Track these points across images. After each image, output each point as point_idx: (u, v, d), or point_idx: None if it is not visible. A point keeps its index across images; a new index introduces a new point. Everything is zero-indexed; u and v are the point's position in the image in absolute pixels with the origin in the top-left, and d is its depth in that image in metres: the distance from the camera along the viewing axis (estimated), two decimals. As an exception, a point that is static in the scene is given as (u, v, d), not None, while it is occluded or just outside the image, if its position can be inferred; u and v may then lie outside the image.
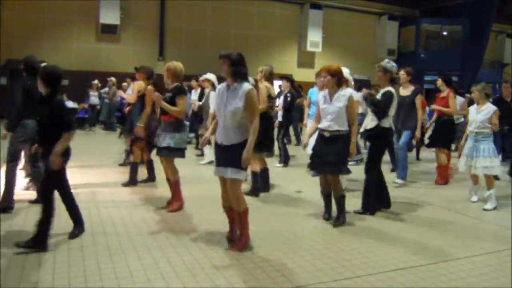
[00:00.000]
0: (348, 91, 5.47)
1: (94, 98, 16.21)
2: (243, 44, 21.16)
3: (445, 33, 26.45)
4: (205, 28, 20.91)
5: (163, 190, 6.77)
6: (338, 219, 5.41)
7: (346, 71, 6.69)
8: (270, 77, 6.97)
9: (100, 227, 5.00)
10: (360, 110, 9.49)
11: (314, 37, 22.57)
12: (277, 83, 11.47)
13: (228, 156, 4.30)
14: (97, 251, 4.28)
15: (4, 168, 5.53)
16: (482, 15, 23.32)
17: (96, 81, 16.38)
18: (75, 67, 18.34)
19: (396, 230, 5.30)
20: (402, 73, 7.57)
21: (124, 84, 16.07)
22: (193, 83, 11.02)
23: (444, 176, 8.16)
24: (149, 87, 6.78)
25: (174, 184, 5.80)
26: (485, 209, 6.38)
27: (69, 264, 3.93)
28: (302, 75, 21.41)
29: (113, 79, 16.42)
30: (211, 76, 9.24)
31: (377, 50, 25.07)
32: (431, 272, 4.09)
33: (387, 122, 5.89)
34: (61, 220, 5.13)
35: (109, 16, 18.57)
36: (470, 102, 9.02)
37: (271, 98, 6.80)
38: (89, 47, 18.99)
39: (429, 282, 3.87)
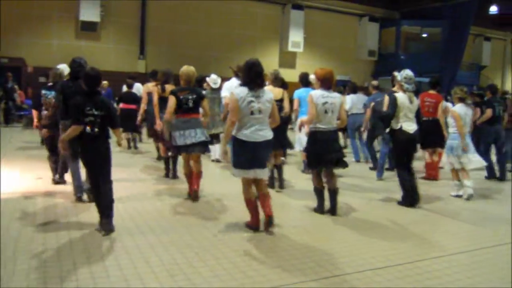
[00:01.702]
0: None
1: None
2: (225, 43, 21.14)
3: (424, 35, 26.78)
4: (186, 27, 20.80)
5: (144, 187, 6.76)
6: (336, 209, 5.84)
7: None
8: (275, 81, 7.22)
9: (77, 226, 4.94)
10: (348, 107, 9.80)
11: (296, 38, 22.63)
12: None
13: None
14: (74, 251, 4.23)
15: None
16: (460, 18, 23.65)
17: None
18: (55, 64, 18.01)
19: (373, 230, 5.36)
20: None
21: (104, 82, 15.91)
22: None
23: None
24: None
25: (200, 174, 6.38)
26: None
27: (45, 265, 3.88)
28: (284, 75, 21.31)
29: (105, 82, 16.19)
30: (208, 78, 9.39)
31: (358, 51, 25.27)
32: (408, 271, 4.15)
33: (396, 124, 6.45)
34: (37, 220, 5.10)
35: (89, 13, 18.31)
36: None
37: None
38: (68, 45, 18.68)
39: (405, 281, 3.92)
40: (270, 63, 22.45)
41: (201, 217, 5.54)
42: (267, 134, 4.90)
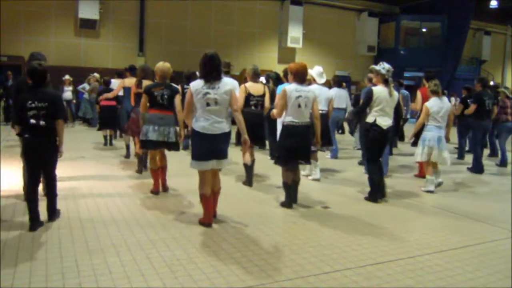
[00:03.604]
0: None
1: (69, 93, 15.92)
2: (224, 39, 21.10)
3: (424, 30, 26.73)
4: (185, 24, 20.78)
5: (142, 184, 6.76)
6: (296, 198, 6.07)
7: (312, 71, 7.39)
8: (254, 76, 7.16)
9: (78, 223, 4.95)
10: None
11: (295, 33, 22.58)
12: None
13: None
14: (75, 247, 4.24)
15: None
16: (460, 12, 23.63)
17: (67, 76, 16.09)
18: (53, 62, 17.97)
19: (374, 225, 5.37)
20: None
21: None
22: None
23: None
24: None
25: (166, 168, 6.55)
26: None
27: (47, 262, 3.89)
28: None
29: (96, 75, 16.20)
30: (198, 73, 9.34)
31: (357, 47, 25.23)
32: (409, 265, 4.16)
33: (370, 117, 6.32)
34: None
35: (88, 10, 18.27)
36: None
37: (252, 97, 6.99)
38: (67, 42, 18.71)
39: (406, 275, 3.93)
40: (269, 59, 22.51)
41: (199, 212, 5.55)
42: (225, 126, 4.91)
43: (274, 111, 6.02)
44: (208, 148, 4.83)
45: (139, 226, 4.95)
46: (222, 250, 4.34)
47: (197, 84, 4.83)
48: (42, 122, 4.65)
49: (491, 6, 25.49)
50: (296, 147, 5.69)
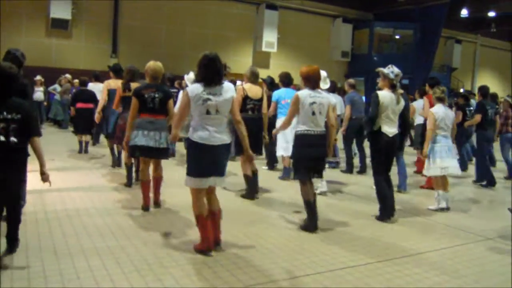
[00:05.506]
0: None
1: (39, 94, 15.61)
2: (198, 43, 20.99)
3: (397, 36, 27.18)
4: (160, 26, 20.63)
5: (114, 193, 6.68)
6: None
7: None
8: (252, 78, 6.80)
9: (46, 228, 4.86)
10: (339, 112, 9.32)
11: (270, 38, 22.68)
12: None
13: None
14: (43, 252, 4.16)
15: None
16: (432, 20, 24.11)
17: (39, 77, 15.79)
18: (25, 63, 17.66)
19: (345, 230, 5.43)
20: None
21: (76, 81, 15.66)
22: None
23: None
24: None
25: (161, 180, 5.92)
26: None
27: (12, 266, 3.80)
28: (258, 75, 21.47)
29: (68, 76, 15.95)
30: (186, 77, 8.52)
31: (331, 52, 25.47)
32: (378, 270, 4.21)
33: (375, 125, 5.84)
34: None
35: (60, 10, 17.96)
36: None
37: (249, 100, 6.62)
38: (38, 42, 18.32)
39: (375, 280, 3.98)
40: (244, 63, 22.49)
41: (172, 220, 5.51)
42: (225, 137, 4.33)
43: (279, 121, 5.69)
44: (208, 161, 4.24)
45: (110, 232, 4.88)
46: (192, 254, 4.31)
47: (195, 89, 4.23)
48: (13, 139, 3.81)
49: (462, 15, 26.15)
50: (312, 158, 5.22)
